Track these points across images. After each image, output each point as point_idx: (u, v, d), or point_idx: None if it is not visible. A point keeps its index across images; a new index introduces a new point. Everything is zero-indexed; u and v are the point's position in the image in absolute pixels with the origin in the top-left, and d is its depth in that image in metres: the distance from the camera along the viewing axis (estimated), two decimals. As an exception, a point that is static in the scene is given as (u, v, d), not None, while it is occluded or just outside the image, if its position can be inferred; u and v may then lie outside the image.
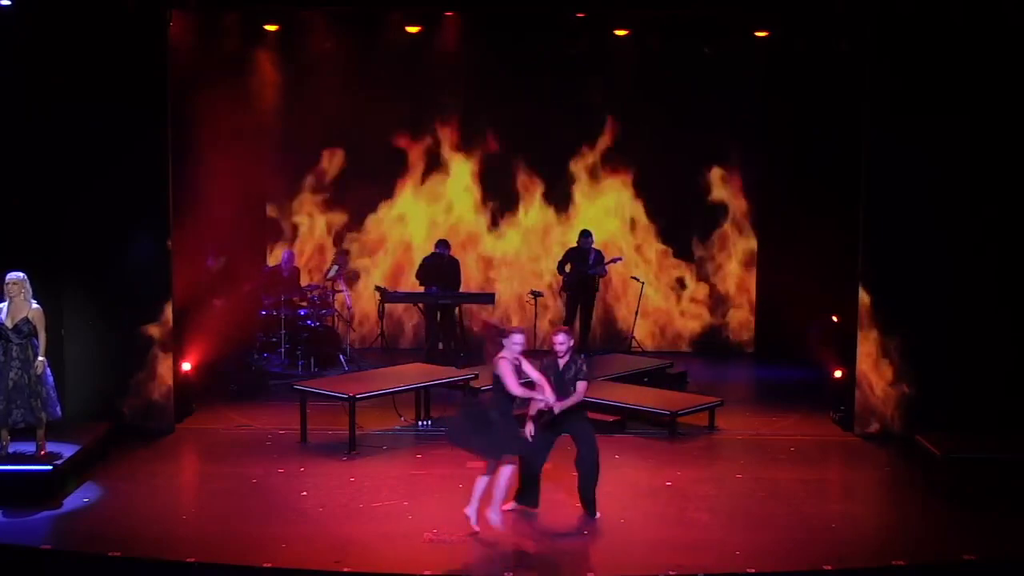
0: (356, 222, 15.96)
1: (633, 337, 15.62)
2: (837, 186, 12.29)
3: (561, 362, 8.92)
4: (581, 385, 8.87)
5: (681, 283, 16.12)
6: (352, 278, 15.71)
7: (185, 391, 11.92)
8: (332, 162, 15.75)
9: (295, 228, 15.96)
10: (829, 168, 12.93)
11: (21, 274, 9.50)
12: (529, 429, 8.65)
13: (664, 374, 13.55)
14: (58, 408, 9.68)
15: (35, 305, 9.49)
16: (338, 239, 15.98)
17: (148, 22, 11.01)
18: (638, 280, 15.47)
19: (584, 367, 8.95)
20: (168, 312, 11.29)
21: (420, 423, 11.86)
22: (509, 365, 8.38)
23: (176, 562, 8.04)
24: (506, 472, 8.55)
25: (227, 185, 12.90)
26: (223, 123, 13.04)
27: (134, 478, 10.04)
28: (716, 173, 15.91)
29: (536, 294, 15.30)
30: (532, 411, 8.70)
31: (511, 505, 9.04)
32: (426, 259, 14.79)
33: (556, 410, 8.70)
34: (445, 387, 12.00)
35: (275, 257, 15.54)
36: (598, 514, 9.03)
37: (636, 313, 15.56)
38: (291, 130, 15.57)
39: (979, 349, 11.17)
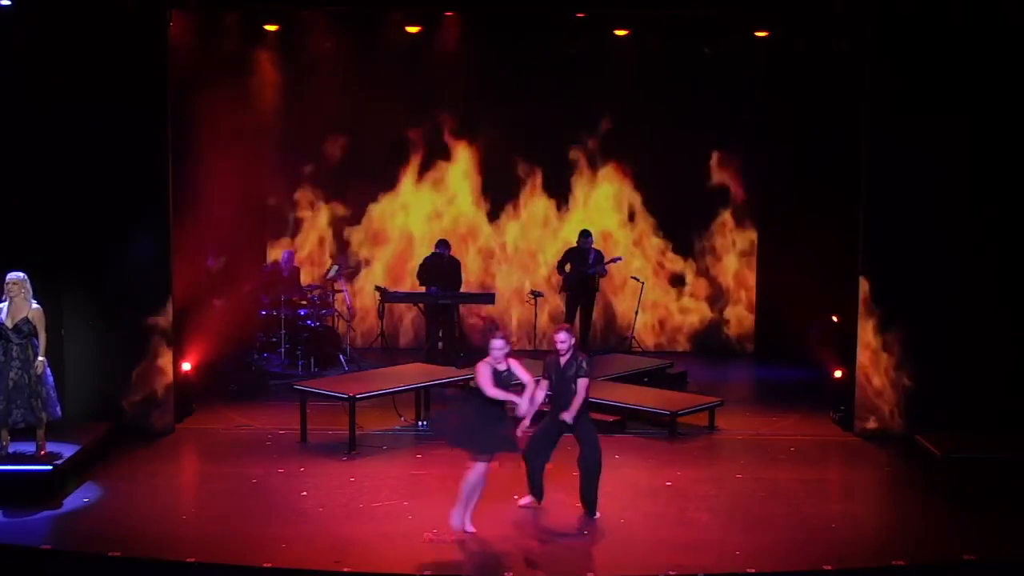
0: (356, 217, 15.99)
1: (633, 337, 15.63)
2: (837, 186, 12.29)
3: (563, 360, 8.95)
4: (582, 382, 8.89)
5: (680, 279, 16.15)
6: (354, 269, 15.71)
7: (185, 391, 11.92)
8: (333, 156, 15.76)
9: (298, 221, 15.95)
10: (829, 168, 12.93)
11: (21, 274, 9.50)
12: (523, 424, 8.65)
13: (664, 374, 13.55)
14: (58, 408, 9.68)
15: (35, 305, 9.49)
16: (338, 234, 16.00)
17: (148, 22, 11.01)
18: (638, 280, 15.49)
19: (584, 364, 8.97)
20: (168, 312, 11.28)
21: (420, 423, 11.85)
22: (486, 368, 8.48)
23: (176, 562, 8.04)
24: (477, 471, 8.55)
25: (227, 185, 12.90)
26: (223, 123, 13.03)
27: (134, 478, 10.04)
28: (716, 173, 15.93)
29: (536, 294, 15.31)
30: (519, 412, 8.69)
31: (527, 500, 9.14)
32: (426, 259, 14.80)
33: (569, 420, 8.83)
34: (445, 387, 12.01)
35: (279, 247, 15.59)
36: (598, 514, 9.04)
37: (636, 313, 15.57)
38: (291, 130, 15.58)
39: (979, 349, 11.17)
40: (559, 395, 8.96)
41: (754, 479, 10.18)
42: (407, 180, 15.96)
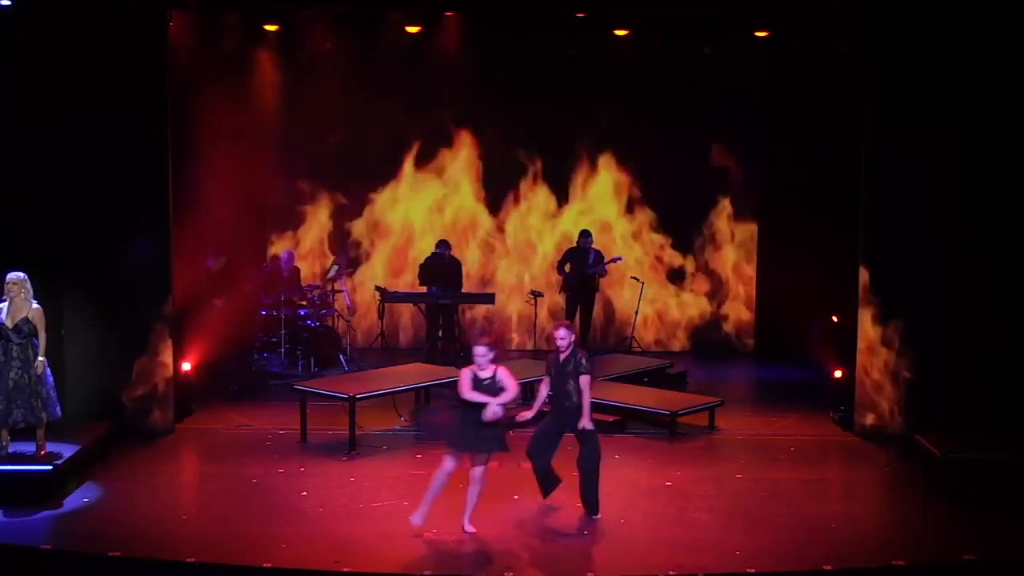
0: (356, 211, 16.03)
1: (633, 337, 15.63)
2: (837, 186, 12.29)
3: (562, 356, 8.99)
4: (584, 380, 8.92)
5: (680, 274, 16.17)
6: (352, 269, 15.72)
7: (185, 391, 11.93)
8: (333, 154, 15.78)
9: (299, 215, 15.97)
10: (829, 168, 12.93)
11: (21, 274, 9.50)
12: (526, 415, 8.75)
13: (664, 374, 13.56)
14: (58, 408, 9.68)
15: (35, 305, 9.49)
16: (338, 228, 16.01)
17: (148, 22, 11.02)
18: (638, 280, 15.49)
19: (584, 361, 8.98)
20: (168, 312, 11.28)
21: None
22: (468, 373, 8.56)
23: (176, 562, 8.04)
24: (445, 470, 8.59)
25: (227, 185, 12.91)
26: (223, 123, 13.04)
27: (134, 478, 10.04)
28: (716, 172, 15.93)
29: (536, 294, 15.31)
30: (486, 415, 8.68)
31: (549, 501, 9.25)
32: (427, 259, 14.79)
33: (589, 426, 8.92)
34: (445, 387, 12.01)
35: (282, 240, 15.61)
36: (598, 514, 9.04)
37: (636, 313, 15.57)
38: (291, 130, 15.58)
39: (979, 349, 11.16)
40: (558, 392, 8.98)
41: (754, 479, 10.18)
42: (407, 177, 15.97)
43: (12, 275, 9.47)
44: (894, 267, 11.26)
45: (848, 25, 11.70)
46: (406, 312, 16.01)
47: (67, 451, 9.77)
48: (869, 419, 11.45)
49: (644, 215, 16.07)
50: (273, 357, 14.28)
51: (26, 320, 9.41)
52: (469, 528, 8.62)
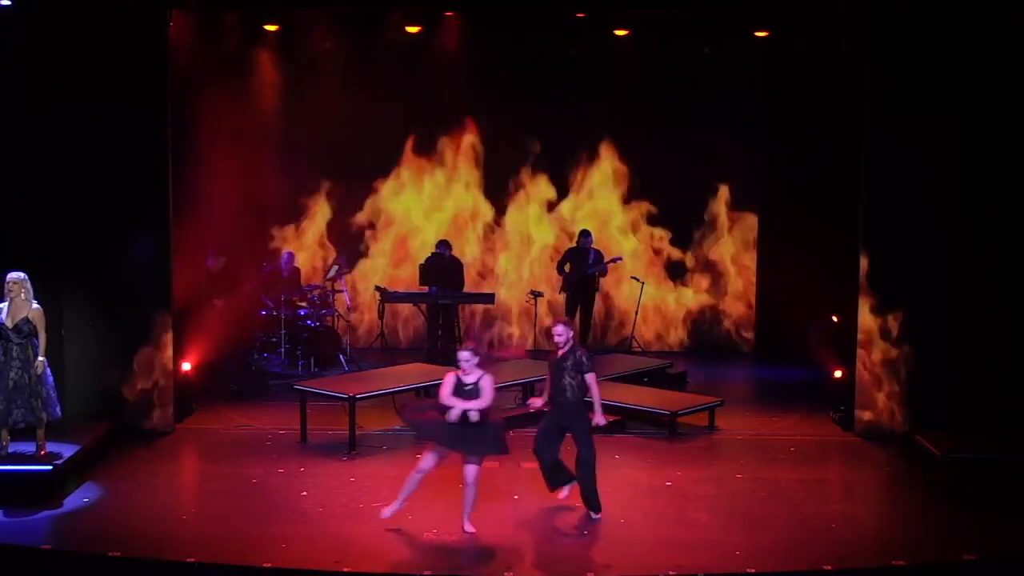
0: (356, 207, 16.04)
1: (633, 337, 15.63)
2: (837, 186, 12.29)
3: (560, 352, 8.99)
4: (591, 377, 8.94)
5: (679, 270, 16.18)
6: (349, 269, 15.75)
7: (185, 391, 11.92)
8: (333, 153, 15.79)
9: (300, 210, 15.97)
10: (829, 168, 12.93)
11: (21, 274, 9.50)
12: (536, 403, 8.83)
13: (664, 374, 13.55)
14: (58, 408, 9.68)
15: (35, 305, 9.49)
16: (339, 225, 16.02)
17: (148, 22, 11.01)
18: (638, 280, 15.49)
19: (584, 359, 8.98)
20: (168, 312, 11.28)
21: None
22: (452, 377, 8.63)
23: (176, 562, 8.04)
24: (422, 468, 8.64)
25: (227, 185, 12.90)
26: (223, 123, 13.05)
27: (134, 478, 10.04)
28: (716, 173, 15.94)
29: (536, 294, 15.31)
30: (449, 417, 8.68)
31: (565, 493, 9.28)
32: (427, 259, 14.79)
33: (602, 423, 9.02)
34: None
35: (283, 235, 15.72)
36: (600, 513, 9.04)
37: (636, 313, 15.57)
38: (291, 130, 15.58)
39: (979, 349, 11.17)
40: (556, 389, 8.99)
41: (754, 479, 10.18)
42: (407, 174, 15.96)
43: (12, 275, 9.47)
44: (894, 267, 11.26)
45: (848, 25, 11.70)
46: (406, 311, 16.00)
47: (67, 451, 9.77)
48: (867, 415, 11.46)
49: (642, 208, 16.06)
50: (273, 357, 14.28)
51: (26, 320, 9.41)
52: (469, 528, 8.62)
